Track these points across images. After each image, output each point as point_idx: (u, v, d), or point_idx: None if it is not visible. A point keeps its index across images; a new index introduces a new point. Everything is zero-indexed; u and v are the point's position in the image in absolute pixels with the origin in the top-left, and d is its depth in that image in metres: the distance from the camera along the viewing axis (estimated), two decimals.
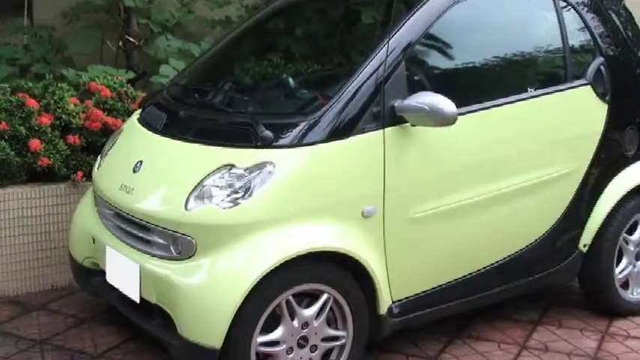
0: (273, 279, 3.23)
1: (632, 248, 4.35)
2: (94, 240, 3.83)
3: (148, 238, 3.47)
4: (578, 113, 4.09)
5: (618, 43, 4.28)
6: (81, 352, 3.88)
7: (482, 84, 3.88)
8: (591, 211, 4.17)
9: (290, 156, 3.33)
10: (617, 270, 4.31)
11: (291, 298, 3.35)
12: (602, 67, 4.14)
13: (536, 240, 4.03)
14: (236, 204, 3.26)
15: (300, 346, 3.40)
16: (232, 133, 3.46)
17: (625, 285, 4.36)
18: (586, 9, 4.20)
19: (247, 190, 3.27)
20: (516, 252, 3.97)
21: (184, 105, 3.87)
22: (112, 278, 3.69)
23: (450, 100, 3.37)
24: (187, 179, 3.38)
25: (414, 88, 3.51)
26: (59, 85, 4.84)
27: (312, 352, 3.44)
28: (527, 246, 4.00)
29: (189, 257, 3.30)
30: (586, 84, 4.09)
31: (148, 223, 3.44)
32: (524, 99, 3.86)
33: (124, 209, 3.58)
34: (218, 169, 3.35)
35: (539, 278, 4.08)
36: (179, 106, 3.85)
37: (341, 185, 3.38)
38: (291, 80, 4.18)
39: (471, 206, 3.71)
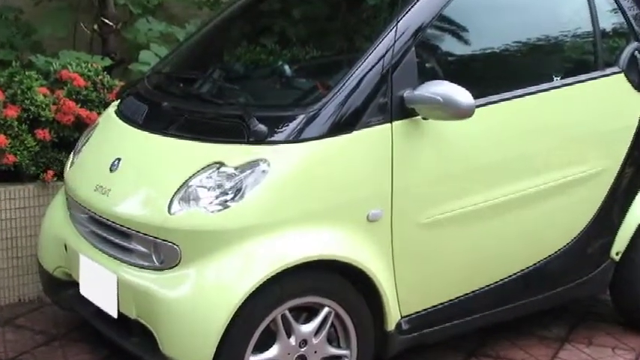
0: (267, 291, 3.23)
1: None
2: (66, 247, 3.83)
3: (127, 245, 3.47)
4: (610, 105, 4.09)
5: None
6: None
7: (502, 72, 3.88)
8: (625, 214, 4.17)
9: (286, 153, 3.33)
10: None
11: (287, 312, 3.35)
12: (636, 54, 4.13)
13: (562, 247, 4.04)
14: (225, 207, 3.26)
15: None
16: (221, 127, 3.46)
17: None
18: None
19: (238, 192, 3.27)
20: (541, 261, 3.98)
21: (167, 96, 3.87)
22: (86, 290, 3.69)
23: (466, 90, 3.37)
24: (171, 179, 3.39)
25: (426, 76, 3.51)
26: (27, 73, 4.83)
27: None
28: (552, 254, 4.02)
29: (173, 267, 3.31)
30: (619, 72, 4.09)
31: (126, 228, 3.44)
32: (548, 89, 3.87)
33: (99, 213, 3.58)
34: (205, 167, 3.35)
35: (566, 290, 4.09)
36: (162, 96, 3.85)
37: (343, 186, 3.38)
38: (287, 68, 4.19)
39: (490, 210, 3.71)
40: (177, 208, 3.31)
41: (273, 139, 3.34)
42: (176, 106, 3.71)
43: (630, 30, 4.18)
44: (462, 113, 3.39)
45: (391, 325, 3.53)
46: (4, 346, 4.12)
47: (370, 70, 3.43)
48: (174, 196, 3.33)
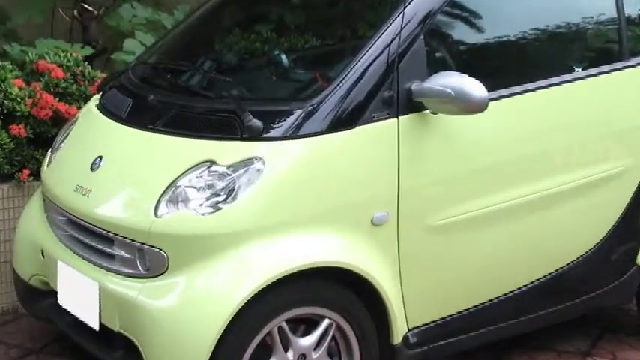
0: (262, 301, 3.24)
1: None
2: (43, 253, 3.83)
3: (110, 251, 3.46)
4: (636, 98, 4.09)
5: None
6: None
7: (518, 62, 3.89)
8: None
9: (283, 150, 3.33)
10: None
11: (284, 324, 3.35)
12: None
13: (585, 253, 4.05)
14: (217, 209, 3.26)
15: None
16: (213, 122, 3.46)
17: None
18: None
19: (231, 193, 3.27)
20: (561, 268, 4.00)
21: (154, 88, 3.87)
22: (65, 300, 3.69)
23: (479, 82, 3.37)
24: (157, 179, 3.39)
25: (436, 67, 3.51)
26: (1, 63, 4.83)
27: None
28: (574, 260, 4.03)
29: (160, 274, 3.31)
30: None
31: (109, 232, 3.44)
32: (569, 81, 3.87)
33: (79, 215, 3.58)
34: (195, 166, 3.35)
35: (588, 299, 4.10)
36: (147, 89, 3.85)
37: (345, 186, 3.38)
38: (284, 58, 4.16)
39: (505, 212, 3.72)
40: (165, 211, 3.31)
41: (268, 135, 3.34)
42: (163, 99, 3.71)
43: None
44: (475, 107, 3.38)
45: (397, 338, 3.53)
46: None
47: (375, 60, 3.43)
48: (161, 197, 3.33)
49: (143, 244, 3.33)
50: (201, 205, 3.29)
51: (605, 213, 4.07)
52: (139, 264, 3.37)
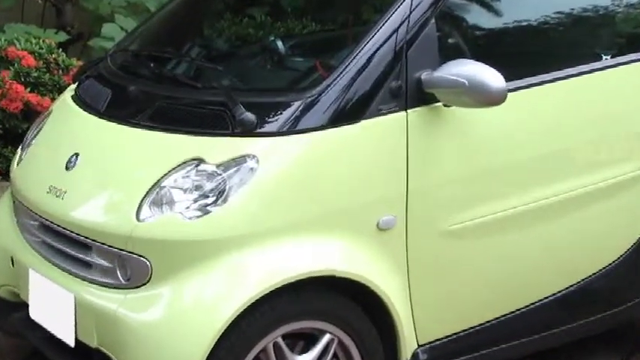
0: (256, 314, 3.24)
1: None
2: (12, 261, 3.82)
3: (87, 258, 3.46)
4: None
5: None
6: None
7: (540, 49, 3.88)
8: None
9: (279, 147, 3.34)
10: None
11: (280, 340, 3.35)
12: None
13: (614, 261, 4.05)
14: (206, 212, 3.27)
15: None
16: (201, 115, 3.46)
17: None
18: None
19: (221, 194, 3.28)
20: (589, 277, 4.00)
21: (135, 78, 3.87)
22: (37, 313, 3.68)
23: (496, 72, 3.37)
24: (140, 179, 3.40)
25: (448, 54, 3.51)
26: None
27: None
28: (603, 269, 4.03)
29: (143, 285, 3.32)
30: None
31: (86, 238, 3.44)
32: (597, 70, 3.88)
33: (53, 219, 3.58)
34: (181, 164, 3.36)
35: (619, 312, 4.10)
36: (128, 79, 3.85)
37: (348, 187, 3.38)
38: (280, 44, 4.18)
39: (526, 216, 3.71)
40: (148, 214, 3.32)
41: (263, 130, 3.34)
42: (146, 90, 3.72)
43: None
44: (492, 99, 3.38)
45: (406, 356, 3.54)
46: None
47: (381, 46, 3.43)
48: (143, 199, 3.34)
49: (123, 251, 3.33)
50: (187, 207, 3.28)
51: (636, 216, 4.07)
52: (119, 273, 3.37)
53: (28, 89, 4.78)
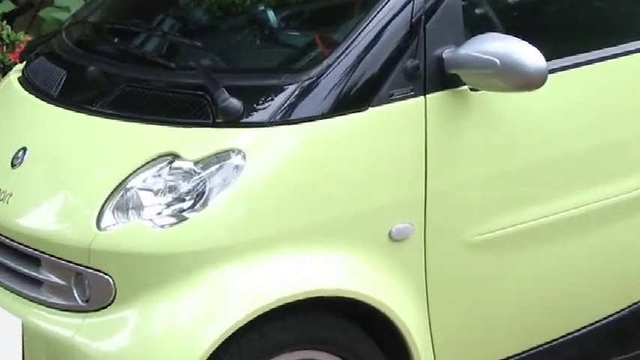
0: (241, 343, 3.09)
1: None
2: None
3: (36, 275, 3.30)
4: None
5: None
6: None
7: (587, 23, 3.84)
8: None
9: (270, 140, 3.21)
10: None
11: None
12: None
13: None
14: (181, 219, 3.11)
15: None
16: (175, 102, 3.33)
17: None
18: None
19: (199, 197, 3.13)
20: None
21: (96, 56, 3.73)
22: None
23: (534, 48, 3.24)
24: (101, 179, 3.27)
25: (475, 28, 3.39)
26: None
27: None
28: None
29: (105, 307, 3.15)
30: None
31: (35, 250, 3.28)
32: None
33: None
34: (152, 161, 3.21)
35: None
36: (87, 57, 3.72)
37: (354, 188, 3.25)
38: (272, 15, 3.96)
39: (569, 223, 3.61)
40: (111, 222, 3.16)
41: (250, 120, 3.20)
42: (109, 71, 3.58)
43: None
44: (529, 82, 3.25)
45: None
46: None
47: (393, 18, 3.28)
48: (105, 203, 3.18)
49: (81, 266, 3.17)
50: (159, 213, 3.13)
51: None
52: (75, 293, 3.20)
53: None
